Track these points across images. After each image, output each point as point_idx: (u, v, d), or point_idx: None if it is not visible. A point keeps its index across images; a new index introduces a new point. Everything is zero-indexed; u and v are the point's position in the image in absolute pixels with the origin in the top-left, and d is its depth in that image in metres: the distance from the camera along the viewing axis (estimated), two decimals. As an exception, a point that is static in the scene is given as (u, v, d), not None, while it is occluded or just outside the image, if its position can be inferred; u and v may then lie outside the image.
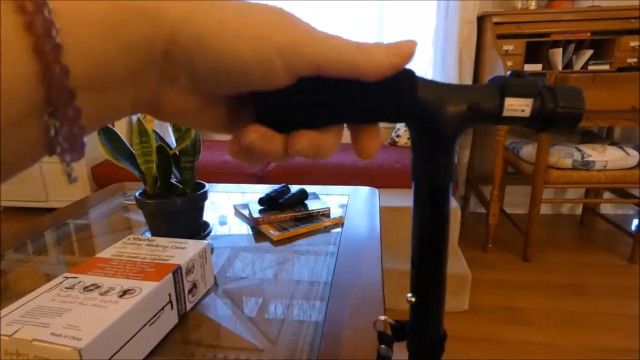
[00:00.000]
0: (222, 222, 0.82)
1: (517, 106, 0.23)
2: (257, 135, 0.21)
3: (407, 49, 0.20)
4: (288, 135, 0.22)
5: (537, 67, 2.09)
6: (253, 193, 0.99)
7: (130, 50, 0.17)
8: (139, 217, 0.86)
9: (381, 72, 0.20)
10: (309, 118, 0.22)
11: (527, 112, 0.23)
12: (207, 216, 0.72)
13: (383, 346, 0.31)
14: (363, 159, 0.23)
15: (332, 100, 0.22)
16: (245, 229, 0.78)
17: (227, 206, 0.90)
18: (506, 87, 0.23)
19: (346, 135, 0.23)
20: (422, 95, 0.22)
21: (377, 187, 1.02)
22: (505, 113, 0.23)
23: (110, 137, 0.63)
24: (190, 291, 0.51)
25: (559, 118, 0.23)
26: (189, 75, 0.20)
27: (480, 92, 0.23)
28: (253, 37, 0.18)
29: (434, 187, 0.25)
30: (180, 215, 0.65)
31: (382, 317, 0.31)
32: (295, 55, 0.19)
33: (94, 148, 0.59)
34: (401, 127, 2.37)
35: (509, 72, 0.23)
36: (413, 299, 0.28)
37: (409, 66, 0.22)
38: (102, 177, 2.24)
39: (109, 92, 0.18)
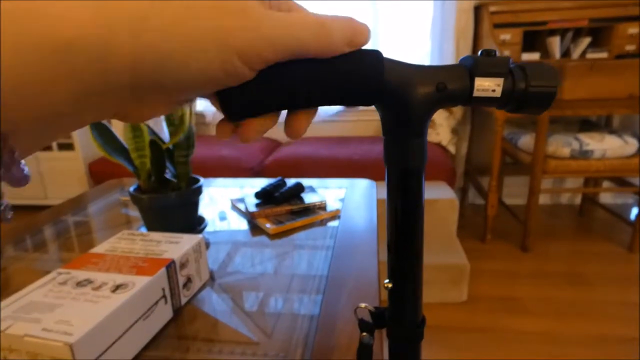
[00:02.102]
0: (219, 217, 0.81)
1: (487, 86, 0.22)
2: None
3: (361, 38, 0.21)
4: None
5: (535, 56, 2.08)
6: (250, 187, 0.99)
7: (75, 83, 0.16)
8: (137, 212, 0.86)
9: (334, 54, 0.21)
10: (277, 105, 0.22)
11: (498, 93, 0.23)
12: (204, 211, 0.72)
13: (365, 334, 0.30)
14: (291, 138, 0.24)
15: (299, 87, 0.21)
16: (241, 223, 0.78)
17: (224, 201, 0.90)
18: (475, 66, 0.22)
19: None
20: (389, 78, 0.22)
21: (375, 180, 1.02)
22: (476, 94, 0.23)
23: (101, 132, 0.62)
24: (184, 285, 0.51)
25: (531, 97, 0.23)
26: (157, 92, 0.20)
27: (449, 72, 0.23)
28: (214, 53, 0.18)
29: (406, 169, 0.25)
30: (174, 210, 0.65)
31: (363, 305, 0.31)
32: (255, 55, 0.19)
33: (91, 145, 0.58)
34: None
35: (479, 52, 0.23)
36: (390, 285, 0.27)
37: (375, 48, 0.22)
38: (99, 174, 2.23)
39: (63, 117, 0.17)
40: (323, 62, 0.21)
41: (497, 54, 0.22)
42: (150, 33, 0.17)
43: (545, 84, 0.22)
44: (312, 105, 0.23)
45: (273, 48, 0.19)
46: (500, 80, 0.22)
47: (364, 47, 0.22)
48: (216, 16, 0.18)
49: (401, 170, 0.25)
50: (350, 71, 0.21)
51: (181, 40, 0.18)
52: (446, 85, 0.22)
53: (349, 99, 0.22)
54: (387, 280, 0.27)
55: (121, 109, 0.20)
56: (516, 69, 0.23)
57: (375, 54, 0.22)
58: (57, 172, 2.48)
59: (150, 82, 0.18)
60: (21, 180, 0.17)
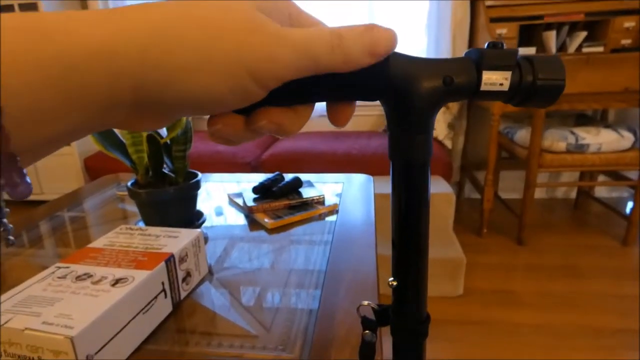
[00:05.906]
0: (217, 212, 0.81)
1: (495, 80, 0.22)
2: (221, 125, 0.22)
3: (384, 45, 0.20)
4: (249, 113, 0.22)
5: (531, 51, 2.08)
6: (247, 182, 0.99)
7: (83, 102, 0.16)
8: (133, 207, 0.86)
9: (356, 68, 0.20)
10: (278, 100, 0.22)
11: (505, 86, 0.22)
12: (201, 206, 0.72)
13: (367, 332, 0.30)
14: (337, 126, 0.24)
15: (302, 85, 0.21)
16: (239, 218, 0.78)
17: (222, 196, 0.90)
18: (482, 59, 0.22)
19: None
20: (394, 72, 0.22)
21: (372, 175, 1.02)
22: (484, 87, 0.22)
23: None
24: (184, 280, 0.51)
25: (539, 91, 0.22)
26: (159, 109, 0.19)
27: (456, 65, 0.22)
28: (222, 70, 0.17)
29: (412, 164, 0.24)
30: (172, 205, 0.65)
31: (366, 302, 0.31)
32: (268, 77, 0.18)
33: (87, 140, 0.58)
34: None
35: (486, 44, 0.22)
36: (394, 283, 0.27)
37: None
38: (95, 169, 2.22)
39: (64, 134, 0.17)
40: None
41: (504, 46, 0.22)
42: (156, 49, 0.16)
43: (554, 77, 0.22)
44: (319, 100, 0.22)
45: (287, 67, 0.18)
46: (507, 74, 0.22)
47: None
48: (228, 35, 0.17)
49: (406, 165, 0.24)
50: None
51: (187, 57, 0.17)
52: (453, 78, 0.22)
53: (355, 94, 0.22)
54: (391, 279, 0.27)
55: (122, 123, 0.19)
56: (523, 62, 0.22)
57: None
58: (53, 168, 2.47)
59: (152, 100, 0.18)
60: (24, 190, 0.16)
